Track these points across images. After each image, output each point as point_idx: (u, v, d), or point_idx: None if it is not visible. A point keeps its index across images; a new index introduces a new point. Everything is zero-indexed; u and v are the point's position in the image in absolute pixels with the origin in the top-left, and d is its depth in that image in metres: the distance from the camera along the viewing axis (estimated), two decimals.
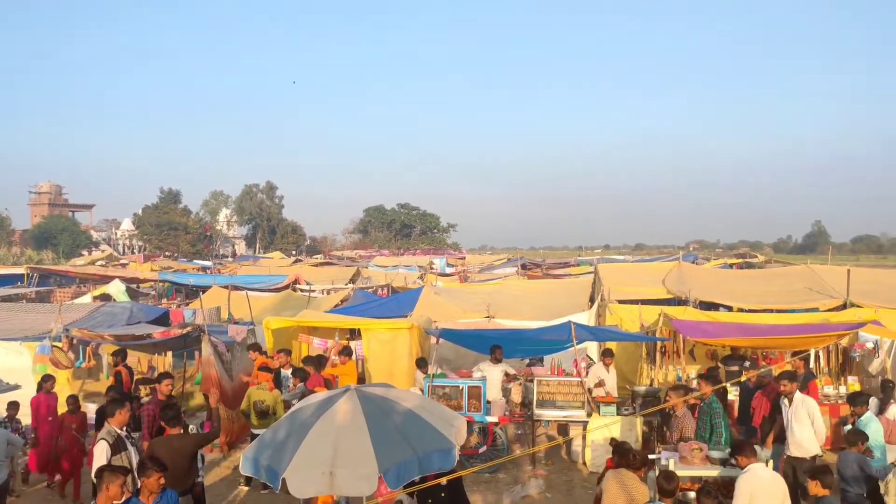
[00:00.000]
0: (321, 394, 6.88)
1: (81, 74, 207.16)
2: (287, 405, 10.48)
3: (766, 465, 7.49)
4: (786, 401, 9.41)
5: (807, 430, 9.05)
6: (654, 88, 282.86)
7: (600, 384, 12.54)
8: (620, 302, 16.62)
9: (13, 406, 11.26)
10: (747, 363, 13.98)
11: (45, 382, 11.41)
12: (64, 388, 13.89)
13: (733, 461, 7.75)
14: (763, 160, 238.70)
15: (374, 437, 5.71)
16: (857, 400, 9.41)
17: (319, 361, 12.39)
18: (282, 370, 12.47)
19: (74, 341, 13.61)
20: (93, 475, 7.11)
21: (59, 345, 13.26)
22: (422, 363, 13.15)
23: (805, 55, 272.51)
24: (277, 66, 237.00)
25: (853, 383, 13.32)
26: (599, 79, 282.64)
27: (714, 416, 9.53)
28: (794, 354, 12.56)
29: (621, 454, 7.45)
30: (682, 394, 9.93)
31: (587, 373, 13.00)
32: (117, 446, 7.29)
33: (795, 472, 8.98)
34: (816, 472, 6.86)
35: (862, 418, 9.05)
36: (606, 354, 13.33)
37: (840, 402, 12.67)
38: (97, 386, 14.23)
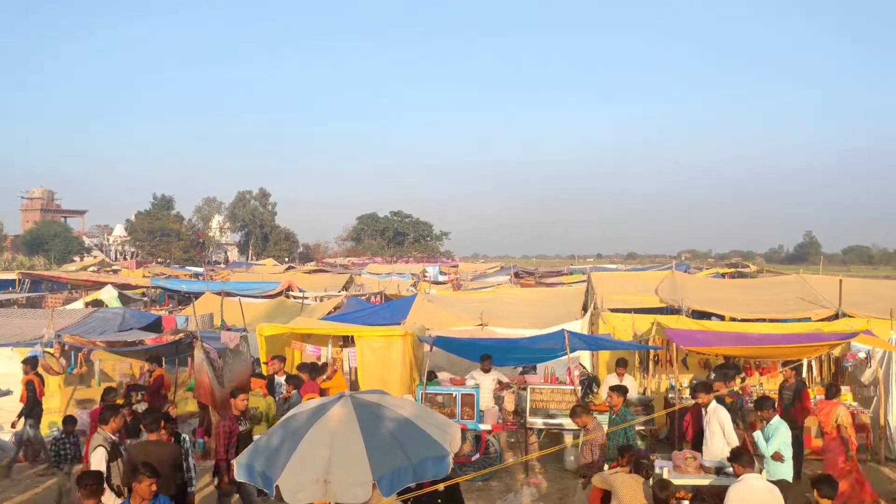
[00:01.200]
0: (316, 400, 6.87)
1: (75, 80, 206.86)
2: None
3: (761, 475, 7.51)
4: (704, 411, 9.64)
5: (718, 439, 9.24)
6: (647, 99, 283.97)
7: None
8: (613, 310, 16.64)
9: (70, 422, 10.74)
10: (742, 374, 14.06)
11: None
12: (55, 394, 13.85)
13: (729, 469, 7.76)
14: (755, 170, 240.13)
15: (369, 444, 5.70)
16: (763, 405, 9.36)
17: (314, 368, 12.35)
18: (276, 377, 12.43)
19: (66, 347, 13.53)
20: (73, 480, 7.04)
21: (51, 350, 13.19)
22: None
23: (797, 65, 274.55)
24: (271, 73, 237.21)
25: (845, 393, 13.37)
26: (593, 89, 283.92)
27: (629, 427, 9.59)
28: (786, 364, 12.60)
29: (623, 457, 7.48)
30: (586, 411, 9.89)
31: (588, 383, 13.04)
32: (114, 452, 7.26)
33: None
34: (818, 482, 6.86)
35: (770, 423, 9.11)
36: (620, 364, 13.31)
37: None
38: (89, 392, 14.14)
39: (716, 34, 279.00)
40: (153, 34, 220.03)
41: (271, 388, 11.94)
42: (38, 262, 67.39)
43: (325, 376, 12.44)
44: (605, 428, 9.65)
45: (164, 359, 13.61)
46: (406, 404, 6.68)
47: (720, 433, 9.32)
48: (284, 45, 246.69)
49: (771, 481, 8.02)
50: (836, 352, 13.59)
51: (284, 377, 12.29)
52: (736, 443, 9.30)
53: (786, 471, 8.78)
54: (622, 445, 8.19)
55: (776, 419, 9.15)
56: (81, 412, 13.69)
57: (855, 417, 12.62)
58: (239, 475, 6.06)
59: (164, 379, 12.86)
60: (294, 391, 11.36)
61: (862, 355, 13.29)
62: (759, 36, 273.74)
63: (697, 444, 9.87)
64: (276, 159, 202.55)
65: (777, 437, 8.81)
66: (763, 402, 9.48)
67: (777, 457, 8.78)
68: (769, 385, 14.25)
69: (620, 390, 10.16)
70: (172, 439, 8.49)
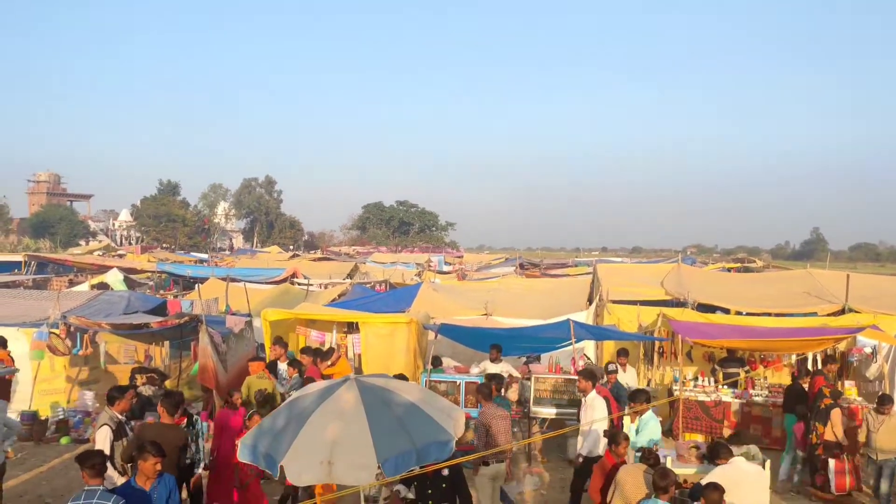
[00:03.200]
0: (322, 382, 6.87)
1: (83, 64, 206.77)
2: (284, 398, 10.44)
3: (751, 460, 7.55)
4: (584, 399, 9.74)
5: (593, 429, 9.29)
6: (656, 94, 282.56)
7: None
8: (619, 302, 16.61)
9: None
10: (746, 367, 14.02)
11: (231, 396, 9.85)
12: (60, 375, 13.92)
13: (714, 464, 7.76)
14: (763, 167, 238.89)
15: (374, 427, 5.70)
16: (637, 397, 9.46)
17: (318, 353, 12.36)
18: (278, 362, 12.45)
19: (72, 328, 13.56)
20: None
21: (57, 331, 13.23)
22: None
23: (808, 65, 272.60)
24: (280, 62, 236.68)
25: (849, 388, 13.33)
26: (602, 84, 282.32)
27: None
28: (816, 360, 12.37)
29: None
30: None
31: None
32: (119, 432, 7.29)
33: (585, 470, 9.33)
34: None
35: (643, 417, 9.14)
36: (621, 354, 13.31)
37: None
38: (94, 374, 14.21)
39: (725, 31, 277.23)
40: (161, 21, 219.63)
41: (274, 373, 11.96)
42: (43, 245, 67.54)
43: (329, 362, 12.45)
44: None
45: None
46: (412, 388, 6.67)
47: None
48: (293, 33, 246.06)
49: None
50: (842, 346, 13.56)
51: (287, 362, 12.30)
52: (599, 431, 9.31)
53: None
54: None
55: (648, 413, 9.22)
56: (85, 393, 13.80)
57: (859, 412, 12.62)
58: (242, 456, 6.07)
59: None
60: (296, 374, 11.38)
61: (868, 350, 13.26)
62: (768, 33, 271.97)
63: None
64: (282, 147, 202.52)
65: (646, 431, 8.79)
66: (637, 394, 9.56)
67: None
68: (774, 379, 14.25)
69: (492, 379, 10.30)
70: (186, 420, 8.53)
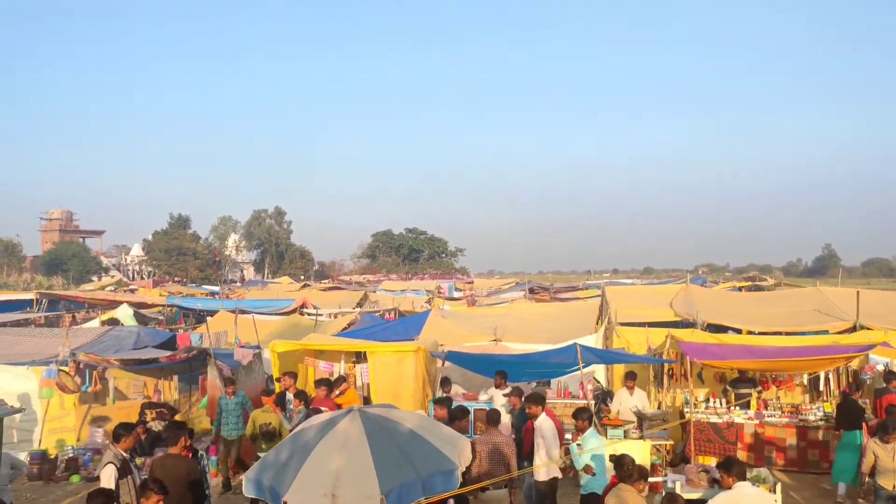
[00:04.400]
0: (324, 414, 6.85)
1: (91, 101, 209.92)
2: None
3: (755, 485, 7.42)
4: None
5: (543, 451, 9.18)
6: (664, 112, 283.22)
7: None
8: (628, 324, 16.53)
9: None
10: (759, 388, 13.88)
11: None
12: (70, 412, 13.94)
13: (718, 478, 7.62)
14: (774, 183, 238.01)
15: (377, 458, 5.68)
16: (581, 415, 9.43)
17: (331, 383, 12.34)
18: (287, 393, 12.45)
19: (81, 365, 13.61)
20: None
21: (66, 369, 13.27)
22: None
23: (817, 79, 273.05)
24: (287, 92, 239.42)
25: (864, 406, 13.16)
26: (609, 103, 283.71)
27: None
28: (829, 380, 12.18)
29: (619, 467, 7.39)
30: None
31: (601, 397, 12.95)
32: (124, 470, 7.27)
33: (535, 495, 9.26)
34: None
35: (585, 433, 9.05)
36: (629, 377, 13.21)
37: None
38: (103, 410, 14.22)
39: (732, 47, 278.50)
40: (172, 55, 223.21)
41: (282, 404, 11.95)
42: (56, 282, 68.03)
43: (337, 391, 12.44)
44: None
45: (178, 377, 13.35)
46: (415, 418, 6.66)
47: (544, 445, 9.32)
48: (300, 63, 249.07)
49: (582, 495, 8.09)
50: (854, 364, 13.42)
51: (294, 393, 12.29)
52: (555, 455, 9.26)
53: (595, 485, 8.45)
54: (620, 456, 8.01)
55: (589, 431, 9.13)
56: (95, 430, 13.80)
57: None
58: (247, 490, 6.05)
59: None
60: (301, 406, 11.37)
61: (880, 367, 13.11)
62: (775, 48, 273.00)
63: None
64: (291, 178, 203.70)
65: (587, 448, 8.66)
66: (581, 412, 9.50)
67: (587, 470, 8.61)
68: (786, 399, 14.10)
69: (442, 402, 10.27)
70: (191, 455, 8.50)
